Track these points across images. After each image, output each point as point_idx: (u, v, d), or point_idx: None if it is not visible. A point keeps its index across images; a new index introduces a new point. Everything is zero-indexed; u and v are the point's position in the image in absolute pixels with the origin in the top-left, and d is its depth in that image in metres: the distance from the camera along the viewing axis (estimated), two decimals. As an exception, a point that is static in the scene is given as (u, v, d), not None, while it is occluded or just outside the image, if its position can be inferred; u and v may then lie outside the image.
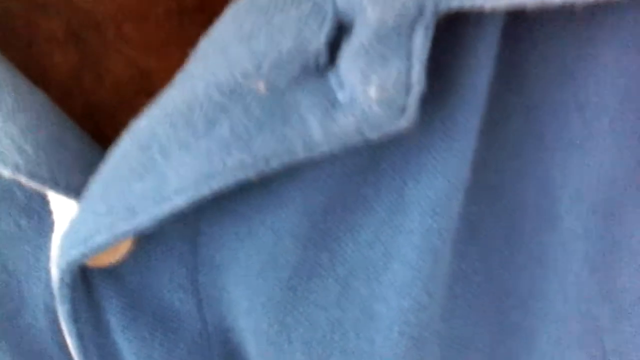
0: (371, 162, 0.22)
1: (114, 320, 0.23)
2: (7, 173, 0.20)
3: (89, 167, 0.21)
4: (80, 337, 0.22)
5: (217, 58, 0.19)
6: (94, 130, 0.22)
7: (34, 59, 0.22)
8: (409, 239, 0.22)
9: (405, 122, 0.18)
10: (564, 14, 0.21)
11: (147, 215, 0.20)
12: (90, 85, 0.22)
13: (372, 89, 0.18)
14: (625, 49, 0.21)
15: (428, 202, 0.21)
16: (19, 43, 0.22)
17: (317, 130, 0.19)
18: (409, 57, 0.18)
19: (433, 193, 0.21)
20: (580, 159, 0.22)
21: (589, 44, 0.21)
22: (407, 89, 0.18)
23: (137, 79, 0.22)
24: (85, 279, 0.22)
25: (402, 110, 0.18)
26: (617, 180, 0.22)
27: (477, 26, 0.20)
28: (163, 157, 0.19)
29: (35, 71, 0.22)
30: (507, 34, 0.21)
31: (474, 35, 0.20)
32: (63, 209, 0.21)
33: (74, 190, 0.21)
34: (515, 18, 0.21)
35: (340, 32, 0.18)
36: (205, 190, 0.19)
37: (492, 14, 0.20)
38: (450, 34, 0.20)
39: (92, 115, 0.22)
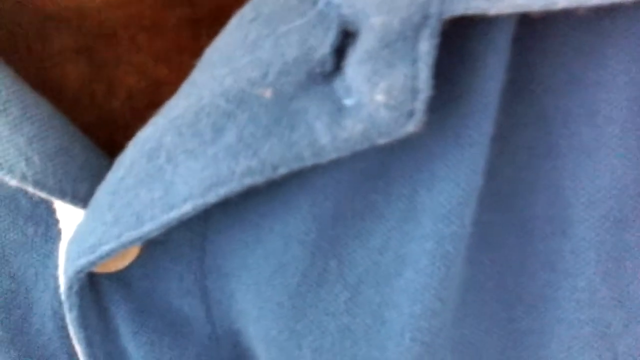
0: (380, 169, 0.21)
1: (123, 326, 0.23)
2: (14, 182, 0.20)
3: (97, 176, 0.21)
4: (89, 343, 0.22)
5: (222, 66, 0.19)
6: (108, 141, 0.22)
7: (47, 71, 0.22)
8: (421, 246, 0.22)
9: (412, 126, 0.18)
10: (574, 22, 0.21)
11: (155, 223, 0.20)
12: (102, 97, 0.22)
13: (379, 94, 0.18)
14: (635, 57, 0.21)
15: (441, 209, 0.21)
16: (31, 56, 0.22)
17: (324, 136, 0.19)
18: (415, 62, 0.18)
19: (445, 200, 0.21)
20: (591, 167, 0.22)
21: (599, 53, 0.21)
22: (414, 93, 0.18)
23: (150, 90, 0.22)
24: (93, 285, 0.22)
25: (410, 114, 0.18)
26: (629, 187, 0.22)
27: (487, 35, 0.20)
28: (170, 165, 0.19)
29: (47, 84, 0.22)
30: (518, 43, 0.21)
31: (484, 44, 0.20)
32: (70, 216, 0.21)
33: (81, 199, 0.21)
34: (526, 27, 0.21)
35: (346, 38, 0.18)
36: (213, 197, 0.19)
37: (502, 22, 0.20)
38: (460, 42, 0.20)
39: (105, 127, 0.22)
